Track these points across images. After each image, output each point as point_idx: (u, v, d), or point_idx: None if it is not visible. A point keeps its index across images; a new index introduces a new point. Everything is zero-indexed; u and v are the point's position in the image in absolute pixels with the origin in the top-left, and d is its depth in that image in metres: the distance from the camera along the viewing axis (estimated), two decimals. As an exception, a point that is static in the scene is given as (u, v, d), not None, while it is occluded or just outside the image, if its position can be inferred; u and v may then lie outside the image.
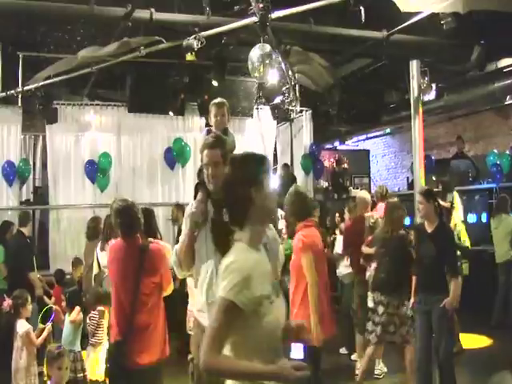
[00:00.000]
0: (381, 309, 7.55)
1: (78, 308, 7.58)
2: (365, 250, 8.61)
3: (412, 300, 7.29)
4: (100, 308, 7.18)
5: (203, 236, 4.47)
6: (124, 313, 5.35)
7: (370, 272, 8.30)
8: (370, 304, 7.91)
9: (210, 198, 4.49)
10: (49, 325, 7.46)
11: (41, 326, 7.46)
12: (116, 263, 5.60)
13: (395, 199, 8.43)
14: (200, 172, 4.83)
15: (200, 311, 4.54)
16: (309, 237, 6.18)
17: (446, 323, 6.94)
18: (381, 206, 9.33)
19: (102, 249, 7.99)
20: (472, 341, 10.41)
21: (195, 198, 4.73)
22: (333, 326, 6.34)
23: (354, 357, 9.27)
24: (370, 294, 8.03)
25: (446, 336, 6.96)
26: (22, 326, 7.11)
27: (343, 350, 9.94)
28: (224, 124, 5.80)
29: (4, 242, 10.64)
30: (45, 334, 7.22)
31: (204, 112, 12.38)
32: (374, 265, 8.09)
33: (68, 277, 10.83)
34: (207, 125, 5.94)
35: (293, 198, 6.42)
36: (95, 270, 8.12)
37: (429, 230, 7.07)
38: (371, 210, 9.45)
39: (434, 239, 6.98)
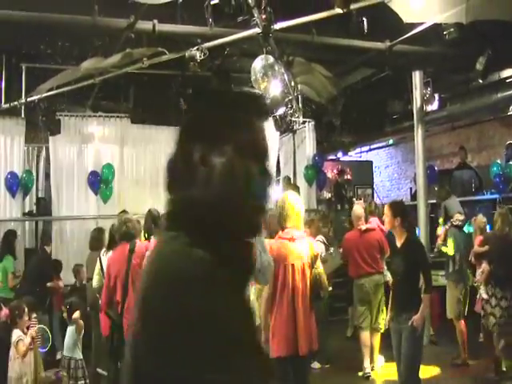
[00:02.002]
0: (494, 301, 8.51)
1: (78, 312, 7.60)
2: (477, 249, 9.37)
3: (388, 317, 7.09)
4: None
5: None
6: None
7: (481, 269, 8.99)
8: (484, 296, 8.81)
9: None
10: (32, 332, 7.43)
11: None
12: None
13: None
14: None
15: None
16: (273, 248, 5.81)
17: (412, 346, 6.54)
18: (373, 219, 9.94)
19: None
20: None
21: None
22: (287, 347, 5.93)
23: (313, 365, 9.25)
24: (482, 286, 8.94)
25: (408, 361, 6.56)
26: (15, 335, 7.11)
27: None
28: None
29: (12, 252, 10.72)
30: (27, 342, 7.17)
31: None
32: (484, 263, 8.91)
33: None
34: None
35: (281, 208, 6.19)
36: (97, 281, 8.10)
37: (398, 244, 6.80)
38: (365, 223, 9.84)
39: (402, 254, 6.71)
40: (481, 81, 11.59)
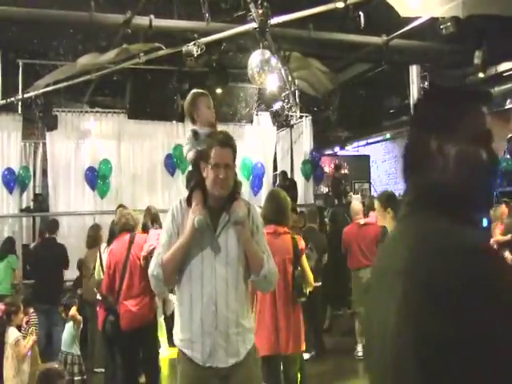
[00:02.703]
0: None
1: (74, 308, 7.62)
2: (499, 238, 9.59)
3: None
4: None
5: (201, 250, 3.84)
6: None
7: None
8: None
9: (208, 205, 3.92)
10: (33, 334, 7.48)
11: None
12: None
13: None
14: (192, 173, 4.22)
15: (186, 341, 3.86)
16: None
17: None
18: (372, 214, 9.79)
19: None
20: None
21: (189, 201, 3.98)
22: (269, 346, 5.75)
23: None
24: None
25: None
26: (12, 334, 7.09)
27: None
28: (214, 118, 4.65)
29: (13, 253, 10.79)
30: (30, 342, 7.19)
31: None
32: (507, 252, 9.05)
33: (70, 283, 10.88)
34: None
35: (268, 201, 6.21)
36: (98, 276, 8.13)
37: None
38: (365, 217, 10.00)
39: None
40: (482, 75, 11.60)
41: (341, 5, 9.00)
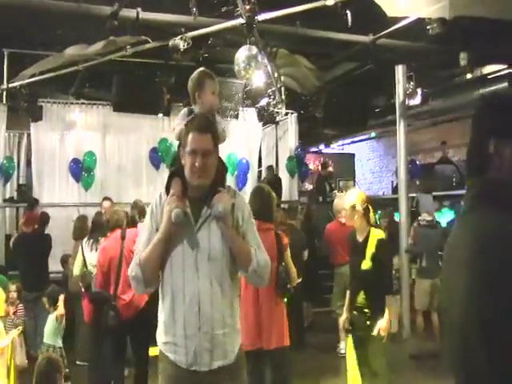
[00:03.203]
0: None
1: (61, 299, 7.58)
2: None
3: (344, 317, 6.31)
4: None
5: (181, 245, 3.56)
6: None
7: None
8: None
9: (188, 195, 3.64)
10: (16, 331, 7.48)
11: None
12: None
13: None
14: (174, 161, 4.00)
15: (170, 344, 3.61)
16: None
17: (382, 355, 6.03)
18: None
19: (92, 248, 8.17)
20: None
21: (168, 190, 3.70)
22: (251, 341, 5.71)
23: None
24: None
25: (382, 371, 5.97)
26: None
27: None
28: (217, 105, 4.56)
29: None
30: (9, 338, 7.17)
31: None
32: None
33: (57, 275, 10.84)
34: (187, 104, 4.58)
35: (252, 197, 6.18)
36: (79, 270, 8.12)
37: (359, 239, 6.19)
38: None
39: (363, 251, 6.07)
40: (470, 75, 11.65)
41: (330, 2, 9.02)
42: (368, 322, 5.95)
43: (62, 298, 7.67)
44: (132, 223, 8.60)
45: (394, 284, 6.22)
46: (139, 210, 9.47)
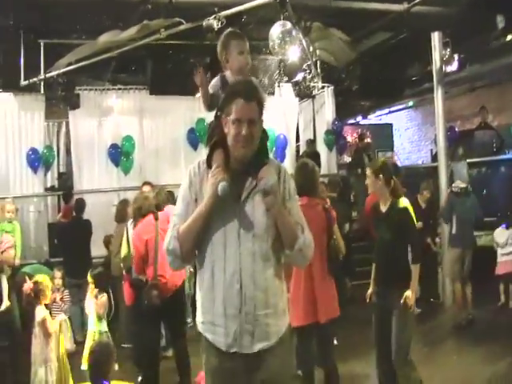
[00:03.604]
0: None
1: (104, 299, 7.58)
2: None
3: (370, 290, 6.30)
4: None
5: (223, 220, 3.31)
6: None
7: None
8: None
9: (230, 168, 3.36)
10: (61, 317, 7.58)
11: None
12: None
13: None
14: (215, 128, 3.66)
15: (208, 324, 3.40)
16: None
17: (405, 325, 5.92)
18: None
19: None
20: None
21: (209, 162, 3.43)
22: (305, 315, 5.81)
23: None
24: None
25: (401, 341, 5.91)
26: (39, 312, 7.16)
27: None
28: (247, 65, 4.00)
29: None
30: (57, 322, 7.28)
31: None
32: None
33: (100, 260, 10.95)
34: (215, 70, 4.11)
35: (297, 173, 6.10)
36: (124, 252, 8.18)
37: (383, 209, 6.14)
38: None
39: (388, 220, 6.03)
40: (510, 37, 11.46)
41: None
42: (393, 294, 5.88)
43: (104, 299, 7.66)
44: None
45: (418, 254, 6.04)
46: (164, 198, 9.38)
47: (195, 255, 3.41)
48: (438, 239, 11.38)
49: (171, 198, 8.90)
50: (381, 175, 6.05)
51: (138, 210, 7.80)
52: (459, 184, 10.42)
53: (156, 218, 7.44)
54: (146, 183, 11.28)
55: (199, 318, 3.45)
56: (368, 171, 6.24)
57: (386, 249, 6.05)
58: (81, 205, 11.32)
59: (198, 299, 3.48)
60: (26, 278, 7.64)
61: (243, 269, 3.23)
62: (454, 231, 10.18)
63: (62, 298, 8.86)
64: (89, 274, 7.82)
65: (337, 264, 6.24)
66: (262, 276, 3.27)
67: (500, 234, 10.78)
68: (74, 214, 11.15)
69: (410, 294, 5.78)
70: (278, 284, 3.40)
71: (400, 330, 5.90)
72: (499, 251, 10.74)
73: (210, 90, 3.92)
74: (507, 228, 10.86)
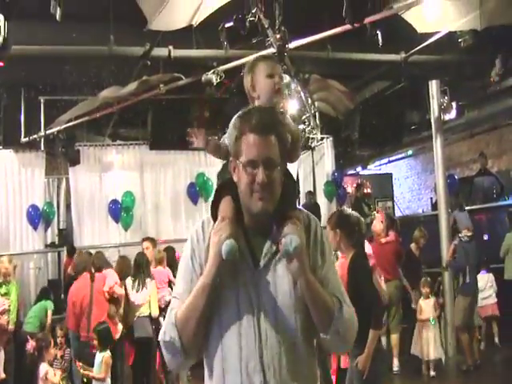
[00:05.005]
0: None
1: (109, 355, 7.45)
2: None
3: None
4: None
5: (235, 295, 2.42)
6: None
7: None
8: None
9: (243, 224, 2.49)
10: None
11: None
12: None
13: None
14: (222, 172, 3.07)
15: None
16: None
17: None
18: (391, 233, 10.53)
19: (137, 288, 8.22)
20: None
21: (214, 213, 2.54)
22: None
23: None
24: None
25: None
26: (43, 369, 7.10)
27: None
28: (278, 88, 3.30)
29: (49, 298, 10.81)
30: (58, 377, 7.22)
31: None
32: None
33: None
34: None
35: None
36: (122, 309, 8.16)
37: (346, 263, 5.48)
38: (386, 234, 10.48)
39: (348, 275, 5.28)
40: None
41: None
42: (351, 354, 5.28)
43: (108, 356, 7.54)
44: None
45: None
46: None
47: (200, 345, 2.49)
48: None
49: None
50: (338, 229, 5.43)
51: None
52: (467, 233, 10.44)
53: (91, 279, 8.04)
54: (145, 239, 11.23)
55: None
56: (326, 224, 5.54)
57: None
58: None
59: None
60: (28, 337, 7.59)
61: (265, 358, 2.36)
62: (467, 279, 10.16)
63: (62, 356, 8.74)
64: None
65: None
66: (291, 366, 2.40)
67: (480, 279, 10.73)
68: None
69: (362, 360, 5.14)
70: (311, 374, 2.54)
71: None
72: (479, 295, 10.64)
73: (226, 141, 2.96)
74: (487, 272, 11.04)
